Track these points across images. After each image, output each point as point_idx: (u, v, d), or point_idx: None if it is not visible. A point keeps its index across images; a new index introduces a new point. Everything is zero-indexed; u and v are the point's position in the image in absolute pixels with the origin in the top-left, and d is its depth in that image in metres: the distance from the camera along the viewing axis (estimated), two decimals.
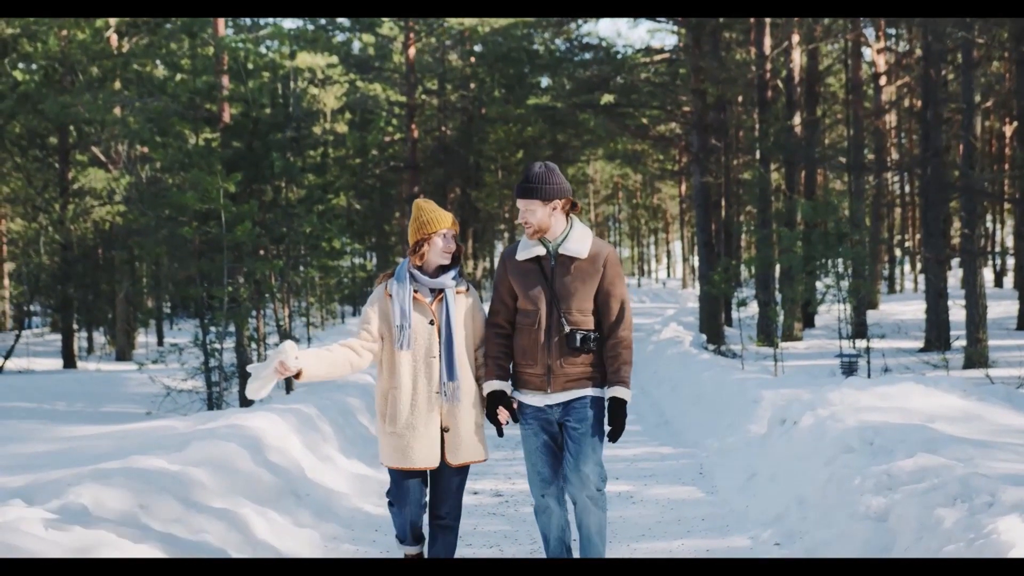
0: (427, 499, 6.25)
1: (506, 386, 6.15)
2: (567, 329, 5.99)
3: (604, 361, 6.08)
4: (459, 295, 6.13)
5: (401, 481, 6.13)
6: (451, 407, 6.04)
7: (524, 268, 6.11)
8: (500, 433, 6.22)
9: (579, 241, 6.06)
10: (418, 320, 6.04)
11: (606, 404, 6.06)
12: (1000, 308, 34.79)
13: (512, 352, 6.17)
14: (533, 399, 6.12)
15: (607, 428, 6.04)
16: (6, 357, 29.67)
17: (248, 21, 32.16)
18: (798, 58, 30.31)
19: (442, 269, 6.14)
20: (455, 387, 6.02)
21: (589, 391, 6.06)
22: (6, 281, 38.38)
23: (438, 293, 6.10)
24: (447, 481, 6.15)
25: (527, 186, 6.01)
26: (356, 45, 44.03)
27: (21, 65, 32.19)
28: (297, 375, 5.83)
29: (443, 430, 6.05)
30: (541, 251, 6.07)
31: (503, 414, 6.11)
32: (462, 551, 7.90)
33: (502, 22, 39.08)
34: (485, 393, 6.13)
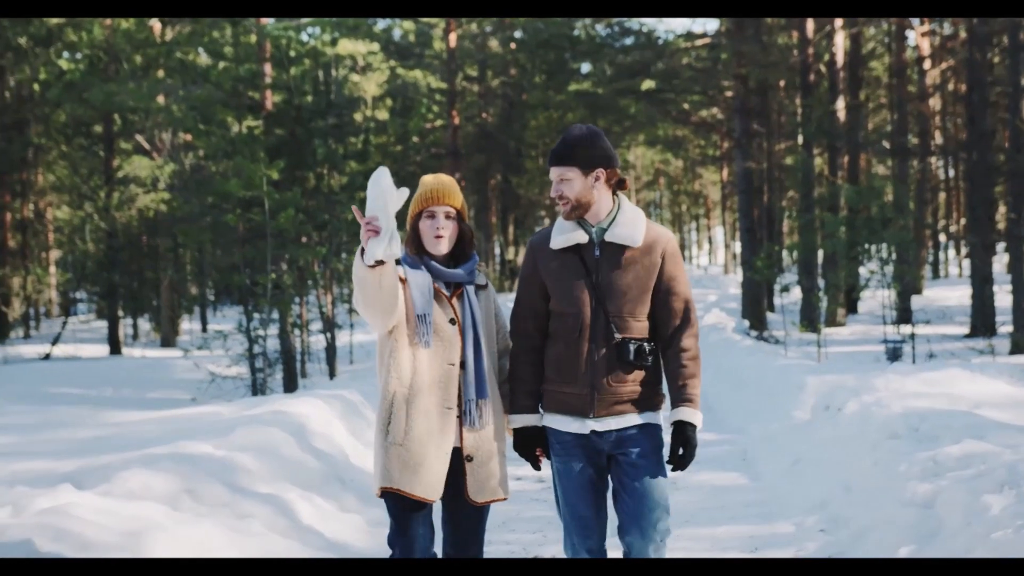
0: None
1: (538, 419, 4.89)
2: (617, 338, 4.71)
3: (665, 376, 4.85)
4: (479, 291, 4.89)
5: (405, 518, 4.70)
6: (476, 432, 4.73)
7: (560, 259, 4.80)
8: (537, 467, 4.94)
9: (630, 225, 4.77)
10: (439, 316, 4.74)
11: (670, 429, 4.78)
12: None
13: (542, 369, 4.87)
14: (571, 425, 4.78)
15: (671, 457, 4.76)
16: (53, 344, 30.00)
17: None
18: (841, 42, 30.05)
19: (453, 258, 4.85)
20: (484, 406, 4.75)
21: (646, 416, 4.79)
22: (53, 269, 38.77)
23: (457, 288, 4.82)
24: (468, 522, 4.82)
25: (562, 150, 4.74)
26: (397, 32, 44.13)
27: (66, 54, 32.51)
28: (377, 263, 4.42)
29: (465, 459, 4.72)
30: (582, 237, 4.76)
31: (539, 454, 4.91)
32: (505, 535, 7.94)
33: None
34: (513, 427, 4.89)
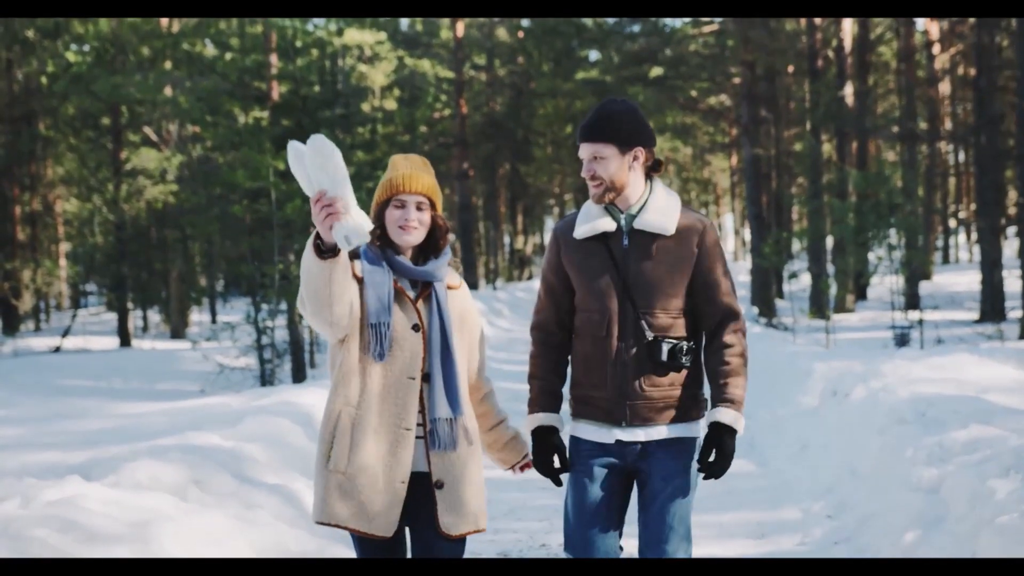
0: None
1: (557, 420, 4.40)
2: (649, 336, 4.22)
3: (707, 376, 4.36)
4: (451, 292, 4.23)
5: (364, 551, 4.13)
6: (446, 454, 4.08)
7: (586, 249, 4.31)
8: (558, 482, 4.41)
9: (663, 211, 4.28)
10: (399, 322, 4.09)
11: (705, 430, 4.29)
12: None
13: (566, 368, 4.46)
14: (597, 433, 4.30)
15: (700, 463, 4.27)
16: (63, 336, 30.09)
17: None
18: (849, 27, 29.97)
19: (422, 253, 4.21)
20: (454, 424, 4.09)
21: (679, 429, 4.28)
22: (62, 261, 38.86)
23: (424, 288, 4.16)
24: (442, 557, 4.13)
25: (599, 124, 4.23)
26: (404, 22, 44.11)
27: (73, 47, 32.54)
28: (333, 251, 3.81)
29: (435, 485, 4.06)
30: (609, 225, 4.28)
31: (557, 463, 4.39)
32: (512, 524, 7.95)
33: None
34: (530, 429, 4.41)
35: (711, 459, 4.21)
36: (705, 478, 4.26)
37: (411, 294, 4.14)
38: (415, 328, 4.09)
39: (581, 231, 4.31)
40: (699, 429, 4.33)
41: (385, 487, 3.99)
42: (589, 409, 4.30)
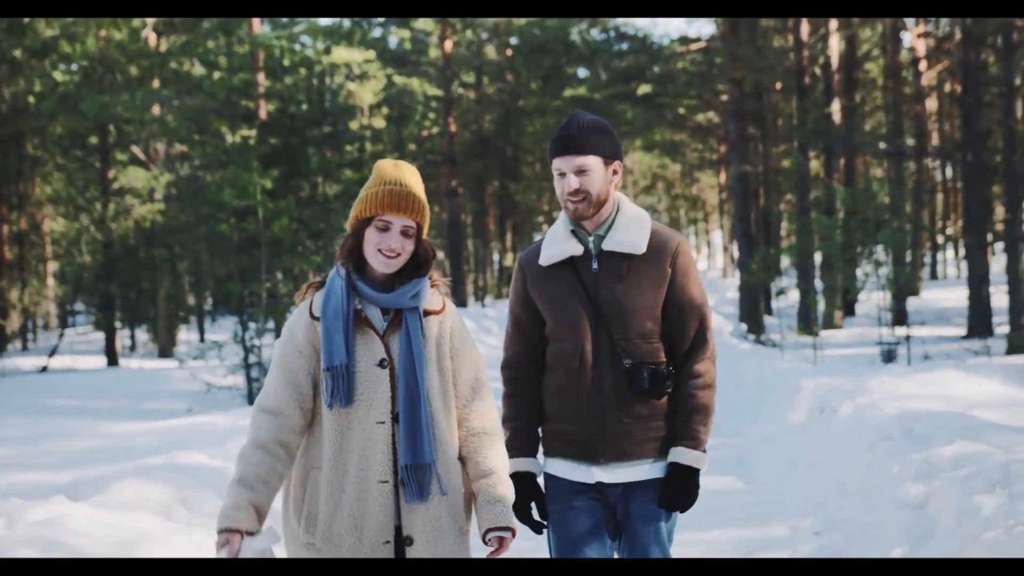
0: None
1: (535, 465, 4.10)
2: (627, 364, 3.94)
3: (674, 410, 4.04)
4: (431, 318, 3.67)
5: None
6: (418, 507, 3.55)
7: (553, 277, 4.04)
8: (537, 530, 4.09)
9: (632, 229, 4.00)
10: (363, 358, 3.57)
11: (668, 475, 3.98)
12: None
13: (540, 404, 4.12)
14: (575, 472, 4.02)
15: (662, 502, 3.99)
16: (51, 355, 30.00)
17: (283, 18, 32.34)
18: (836, 44, 30.10)
19: (399, 278, 3.66)
20: (425, 473, 3.53)
21: (662, 468, 4.01)
22: (50, 280, 38.78)
23: (395, 316, 3.62)
24: None
25: (581, 135, 3.94)
26: (392, 40, 44.16)
27: (61, 66, 32.52)
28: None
29: (404, 541, 3.55)
30: (576, 248, 4.00)
31: (535, 511, 4.10)
32: None
33: None
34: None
35: (669, 500, 3.95)
36: (670, 510, 3.99)
37: (378, 326, 3.61)
38: (382, 364, 3.56)
39: (547, 256, 4.05)
40: None
41: (371, 551, 3.52)
42: (564, 445, 4.03)
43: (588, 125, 3.95)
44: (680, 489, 3.94)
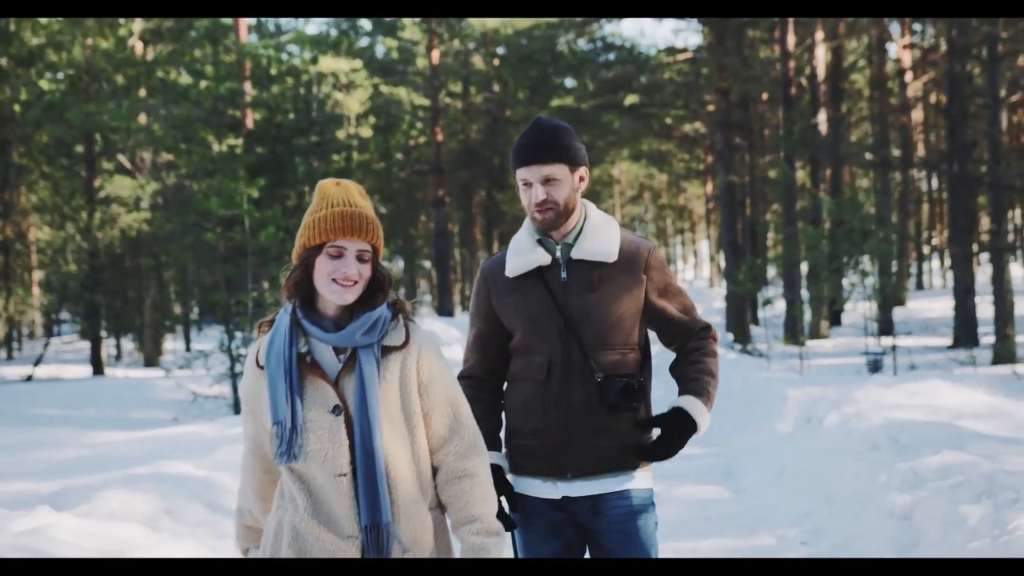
0: None
1: (500, 458, 3.90)
2: (599, 377, 3.77)
3: (676, 380, 3.94)
4: (391, 356, 3.24)
5: None
6: None
7: (520, 288, 3.87)
8: (507, 526, 3.71)
9: (602, 237, 3.85)
10: (314, 407, 3.18)
11: (666, 415, 3.82)
12: None
13: (500, 414, 3.98)
14: (541, 488, 3.85)
15: (653, 444, 3.83)
16: (36, 365, 29.88)
17: (271, 27, 32.33)
18: (822, 55, 30.18)
19: (350, 312, 3.24)
20: (385, 534, 3.14)
21: (630, 480, 3.84)
22: (35, 289, 38.62)
23: (351, 355, 3.21)
24: None
25: (547, 142, 3.78)
26: (379, 49, 44.18)
27: (47, 74, 32.46)
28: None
29: None
30: (544, 258, 3.84)
31: (506, 505, 3.84)
32: None
33: (525, 23, 39.19)
34: None
35: (659, 441, 3.78)
36: (654, 458, 3.81)
37: (329, 369, 3.22)
38: (335, 411, 3.16)
39: (513, 267, 3.88)
40: (651, 479, 3.91)
41: None
42: (530, 461, 3.85)
43: (552, 132, 3.79)
44: (671, 436, 3.77)
